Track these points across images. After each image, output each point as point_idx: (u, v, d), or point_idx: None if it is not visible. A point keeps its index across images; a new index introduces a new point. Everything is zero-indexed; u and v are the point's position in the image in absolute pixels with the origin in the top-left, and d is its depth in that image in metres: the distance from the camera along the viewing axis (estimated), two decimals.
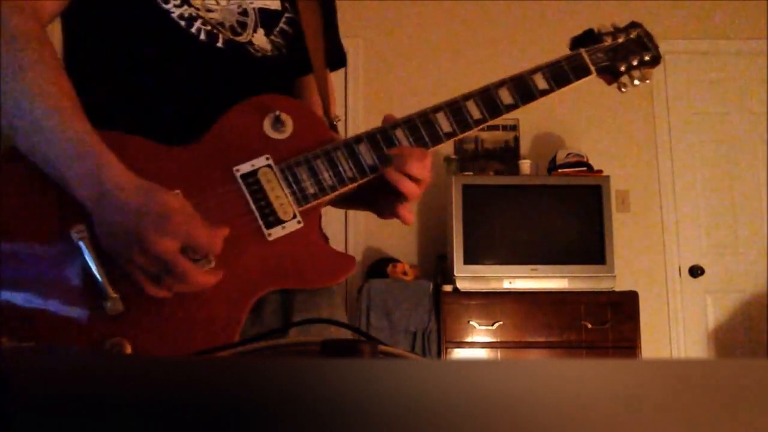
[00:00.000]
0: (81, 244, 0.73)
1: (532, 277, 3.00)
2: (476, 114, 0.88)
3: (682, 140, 3.66)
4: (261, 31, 0.92)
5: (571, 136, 3.55)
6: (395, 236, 3.37)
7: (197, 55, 0.87)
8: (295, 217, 0.81)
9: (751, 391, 0.29)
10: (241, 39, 0.90)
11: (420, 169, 0.82)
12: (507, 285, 2.99)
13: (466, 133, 0.89)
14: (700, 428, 0.29)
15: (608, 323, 2.93)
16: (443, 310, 2.96)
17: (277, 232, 0.80)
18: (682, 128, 3.67)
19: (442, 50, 3.70)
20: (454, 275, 3.00)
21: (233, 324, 0.77)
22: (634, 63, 0.99)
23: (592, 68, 0.96)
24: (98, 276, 0.73)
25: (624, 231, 3.46)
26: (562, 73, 0.94)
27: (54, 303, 0.74)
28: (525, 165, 3.35)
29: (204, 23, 0.88)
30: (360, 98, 3.61)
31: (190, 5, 0.87)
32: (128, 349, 0.73)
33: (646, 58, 1.00)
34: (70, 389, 0.28)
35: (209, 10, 0.89)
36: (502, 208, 3.13)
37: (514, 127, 3.54)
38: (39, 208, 0.76)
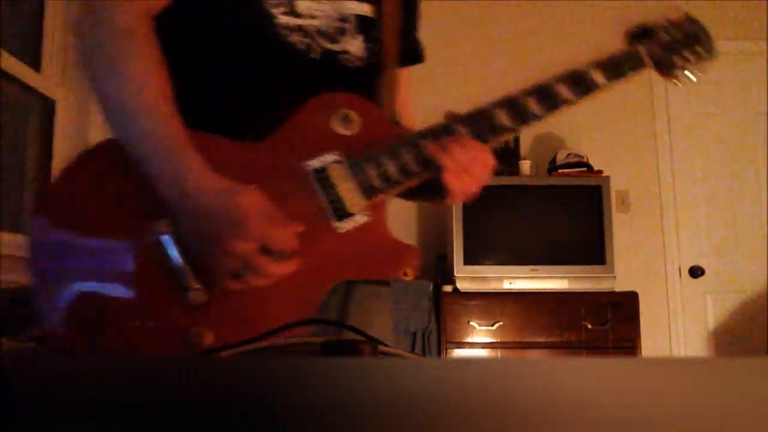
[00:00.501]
0: (165, 237, 0.77)
1: (532, 277, 3.00)
2: (535, 109, 0.91)
3: (682, 140, 3.66)
4: (360, 38, 0.95)
5: (571, 137, 3.54)
6: (396, 236, 3.36)
7: (293, 64, 0.90)
8: (363, 210, 0.84)
9: (750, 389, 0.29)
10: (337, 48, 0.93)
11: (461, 154, 0.84)
12: (507, 285, 2.99)
13: (524, 127, 0.91)
14: (700, 426, 0.29)
15: (608, 323, 2.93)
16: (443, 310, 2.95)
17: (346, 225, 0.84)
18: (682, 128, 3.67)
19: (443, 50, 3.69)
20: (454, 275, 2.99)
21: (305, 314, 0.80)
22: (689, 57, 1.00)
23: (648, 60, 0.97)
24: (182, 268, 0.76)
25: (624, 231, 3.46)
26: (618, 67, 0.96)
27: (137, 294, 0.77)
28: (525, 165, 3.35)
29: (304, 33, 0.90)
30: None
31: (295, 14, 0.89)
32: (210, 339, 0.77)
33: (701, 52, 1.01)
34: (72, 389, 0.29)
35: (312, 17, 0.91)
36: (502, 209, 3.13)
37: None
38: (128, 199, 0.80)
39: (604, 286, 3.00)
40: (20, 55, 2.48)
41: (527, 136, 3.55)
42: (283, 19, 0.88)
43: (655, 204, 3.60)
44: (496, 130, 0.89)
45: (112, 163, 0.80)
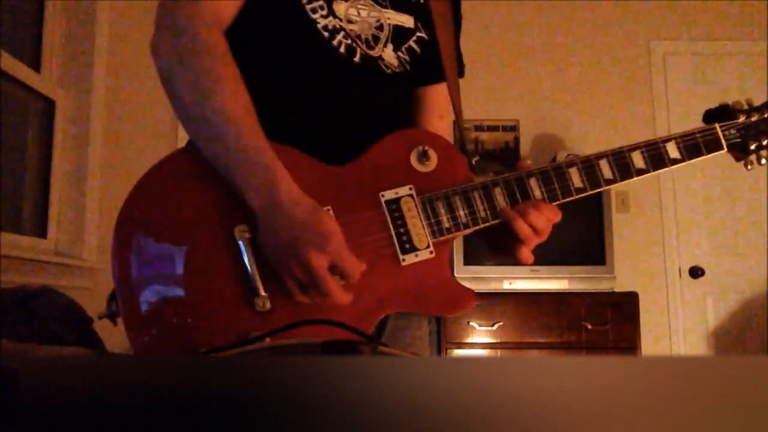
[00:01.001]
0: (241, 243, 0.80)
1: (532, 277, 3.00)
2: (608, 174, 0.93)
3: None
4: (390, 47, 0.97)
5: (571, 137, 3.54)
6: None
7: (336, 69, 0.92)
8: (428, 247, 0.87)
9: (750, 389, 0.29)
10: (374, 53, 0.95)
11: (538, 220, 0.89)
12: (507, 285, 2.99)
13: (595, 191, 0.93)
14: (700, 426, 0.29)
15: (608, 324, 2.93)
16: None
17: (410, 258, 0.86)
18: (682, 128, 3.64)
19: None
20: (454, 276, 2.99)
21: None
22: (765, 143, 1.01)
23: (724, 143, 0.99)
24: (253, 274, 0.79)
25: (624, 231, 3.46)
26: (694, 146, 0.98)
27: (207, 294, 0.80)
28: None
29: (345, 36, 0.93)
30: None
31: (335, 16, 0.92)
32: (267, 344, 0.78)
33: None
34: (75, 389, 0.29)
35: (350, 21, 0.93)
36: None
37: (514, 128, 3.54)
38: (205, 204, 0.83)
39: (604, 286, 3.00)
40: (20, 55, 2.48)
41: (527, 136, 3.56)
42: (323, 22, 0.91)
43: (655, 204, 3.60)
44: (568, 189, 0.92)
45: (193, 169, 0.83)
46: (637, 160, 0.94)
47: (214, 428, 0.28)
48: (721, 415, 0.29)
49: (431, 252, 0.87)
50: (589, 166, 0.92)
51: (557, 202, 0.92)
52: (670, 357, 0.32)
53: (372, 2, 0.96)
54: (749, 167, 1.01)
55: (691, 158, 0.97)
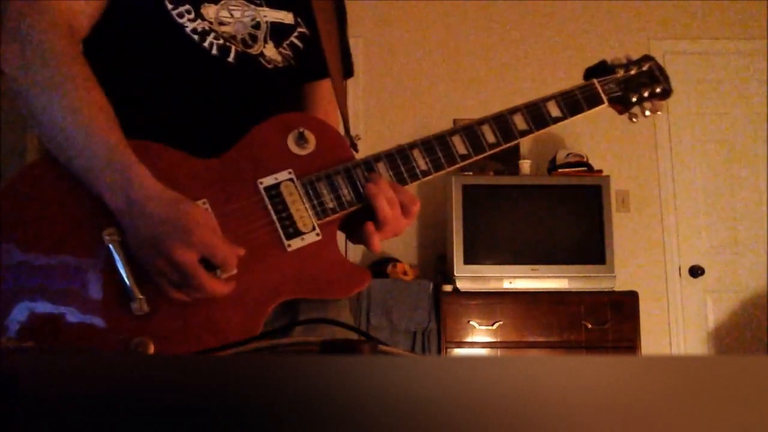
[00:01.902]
0: (111, 246, 0.77)
1: (532, 277, 3.00)
2: (491, 138, 0.93)
3: (682, 140, 3.66)
4: (270, 44, 0.96)
5: (571, 136, 3.54)
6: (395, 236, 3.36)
7: (210, 69, 0.91)
8: (314, 229, 0.85)
9: (749, 387, 0.29)
10: (253, 51, 0.94)
11: (400, 198, 0.86)
12: (507, 285, 2.99)
13: (478, 157, 0.93)
14: (700, 425, 0.29)
15: (608, 323, 2.93)
16: (443, 310, 2.96)
17: (296, 243, 0.84)
18: (682, 128, 3.67)
19: (442, 50, 3.70)
20: (454, 275, 2.99)
21: (251, 329, 0.80)
22: (645, 95, 1.02)
23: (605, 98, 0.99)
24: (126, 277, 0.76)
25: (624, 231, 3.46)
26: (575, 102, 0.98)
27: (82, 303, 0.77)
28: (525, 165, 3.35)
29: (216, 37, 0.91)
30: (360, 98, 3.61)
31: (203, 19, 0.91)
32: (151, 348, 0.77)
33: (657, 90, 1.03)
34: (72, 388, 0.29)
35: (222, 23, 0.92)
36: (502, 208, 3.13)
37: None
38: (71, 211, 0.80)
39: (604, 285, 3.00)
40: None
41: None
42: (191, 26, 0.90)
43: (655, 204, 3.60)
44: (452, 155, 0.92)
45: (54, 177, 0.80)
46: (519, 121, 0.94)
47: (214, 428, 0.28)
48: (721, 415, 0.29)
49: (318, 234, 0.85)
50: (472, 132, 0.92)
51: (444, 171, 0.91)
52: (670, 356, 0.32)
53: (245, 2, 0.94)
54: (634, 119, 1.03)
55: (572, 115, 0.97)
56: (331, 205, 0.86)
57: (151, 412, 0.28)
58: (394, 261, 3.22)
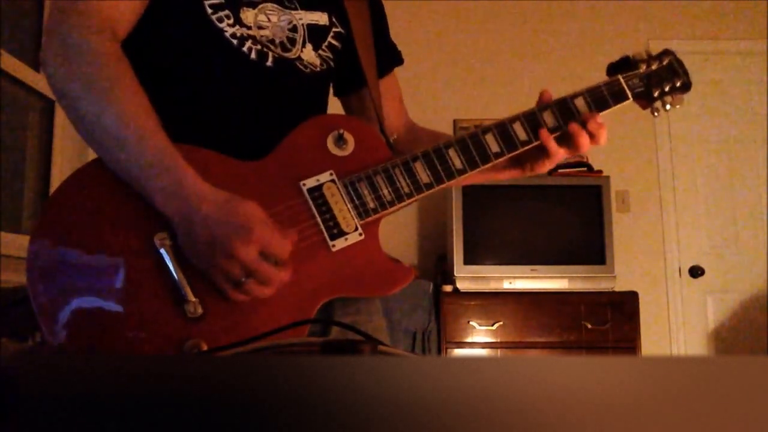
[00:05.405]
0: (163, 251, 0.78)
1: (532, 277, 3.00)
2: (522, 135, 0.95)
3: (682, 140, 3.66)
4: (309, 46, 0.97)
5: None
6: (395, 236, 3.37)
7: (248, 74, 0.92)
8: (356, 229, 0.87)
9: (749, 387, 0.29)
10: (291, 55, 0.95)
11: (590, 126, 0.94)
12: (507, 285, 2.99)
13: (511, 154, 0.96)
14: (699, 425, 0.29)
15: (608, 323, 2.93)
16: (443, 310, 2.95)
17: (340, 243, 0.86)
18: (682, 128, 3.67)
19: (442, 50, 3.69)
20: (454, 275, 2.99)
21: (299, 329, 0.81)
22: (666, 89, 1.04)
23: (629, 94, 1.01)
24: (180, 280, 0.77)
25: (624, 231, 3.46)
26: (602, 98, 0.99)
27: (132, 306, 0.77)
28: None
29: (255, 42, 0.92)
30: None
31: (242, 25, 0.91)
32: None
33: (678, 84, 1.05)
34: (73, 389, 0.29)
35: (261, 28, 0.93)
36: (502, 208, 3.13)
37: None
38: (122, 216, 0.80)
39: (604, 286, 3.00)
40: (20, 55, 2.48)
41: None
42: (230, 31, 0.90)
43: (655, 204, 3.60)
44: (486, 155, 0.94)
45: (108, 180, 0.80)
46: (549, 119, 0.96)
47: (214, 428, 0.28)
48: (721, 415, 0.29)
49: (360, 234, 0.87)
50: (504, 130, 0.95)
51: (477, 169, 0.94)
52: (670, 357, 0.32)
53: (279, 7, 0.95)
54: (656, 114, 1.05)
55: (600, 110, 0.98)
56: (372, 205, 0.88)
57: (151, 412, 0.28)
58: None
